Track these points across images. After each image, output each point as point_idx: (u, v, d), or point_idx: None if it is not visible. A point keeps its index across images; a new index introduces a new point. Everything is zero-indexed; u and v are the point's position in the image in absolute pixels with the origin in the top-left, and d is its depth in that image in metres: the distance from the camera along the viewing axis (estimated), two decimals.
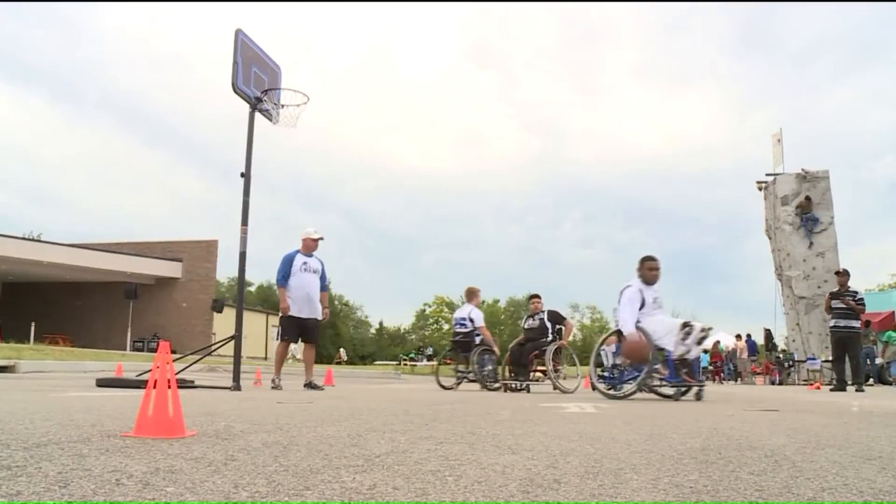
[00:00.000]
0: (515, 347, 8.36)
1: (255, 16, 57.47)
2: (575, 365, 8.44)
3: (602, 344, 8.89)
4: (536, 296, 8.71)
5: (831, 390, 10.24)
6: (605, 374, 8.36)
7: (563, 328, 8.36)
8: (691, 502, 1.24)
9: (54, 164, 66.18)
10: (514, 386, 8.00)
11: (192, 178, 72.93)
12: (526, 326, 8.60)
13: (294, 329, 7.19)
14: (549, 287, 72.79)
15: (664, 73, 73.75)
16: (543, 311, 8.45)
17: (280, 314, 7.41)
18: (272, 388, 6.79)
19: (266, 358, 31.19)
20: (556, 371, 7.89)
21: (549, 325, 8.22)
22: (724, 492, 1.34)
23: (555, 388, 7.67)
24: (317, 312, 7.28)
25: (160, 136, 70.95)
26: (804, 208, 20.33)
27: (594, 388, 8.32)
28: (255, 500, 1.17)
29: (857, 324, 10.27)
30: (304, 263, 7.25)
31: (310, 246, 7.37)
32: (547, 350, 7.84)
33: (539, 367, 8.15)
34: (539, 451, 1.87)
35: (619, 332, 8.79)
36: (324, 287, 7.45)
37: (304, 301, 7.17)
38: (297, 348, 9.63)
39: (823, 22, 68.67)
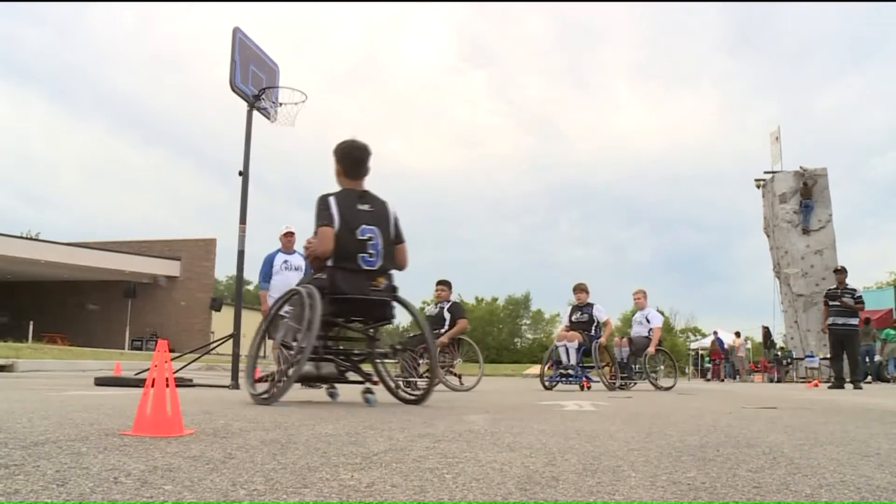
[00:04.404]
0: (407, 340, 7.66)
1: (251, 15, 57.44)
2: (478, 361, 7.67)
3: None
4: (442, 282, 7.79)
5: (829, 388, 10.25)
6: (570, 372, 8.26)
7: (457, 324, 7.46)
8: (689, 501, 1.24)
9: (51, 163, 66.15)
10: (399, 382, 7.21)
11: (191, 177, 72.96)
12: (426, 315, 7.86)
13: None
14: (547, 286, 72.92)
15: (660, 72, 73.79)
16: (448, 301, 7.67)
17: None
18: None
19: (265, 356, 31.11)
20: (445, 366, 7.04)
21: (447, 316, 7.47)
22: (721, 489, 1.34)
23: (448, 386, 6.89)
24: None
25: (158, 135, 70.92)
26: (805, 194, 20.42)
27: (548, 387, 8.19)
28: (252, 499, 1.17)
29: (855, 321, 10.29)
30: (285, 261, 7.25)
31: (285, 243, 7.35)
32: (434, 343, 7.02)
33: (426, 362, 7.16)
34: (537, 449, 1.87)
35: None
36: None
37: None
38: None
39: (820, 21, 68.68)
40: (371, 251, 3.64)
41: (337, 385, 4.00)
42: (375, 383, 3.88)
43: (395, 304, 3.82)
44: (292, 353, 3.42)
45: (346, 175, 3.81)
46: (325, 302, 3.44)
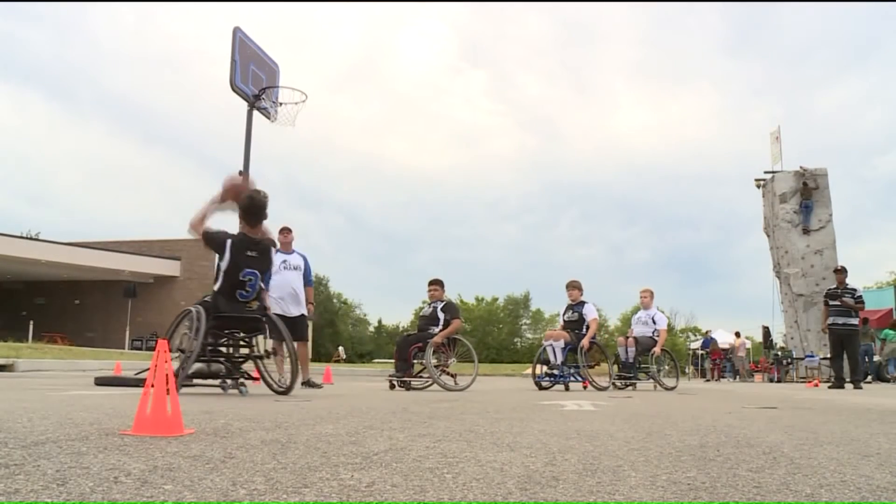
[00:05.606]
0: (401, 339, 7.69)
1: (250, 15, 57.41)
2: (473, 361, 7.63)
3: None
4: (434, 281, 7.71)
5: (829, 388, 10.25)
6: (555, 371, 8.24)
7: (450, 324, 7.30)
8: (689, 501, 1.24)
9: (51, 163, 66.10)
10: (393, 382, 7.20)
11: (190, 177, 72.75)
12: (420, 314, 7.99)
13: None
14: (547, 286, 72.83)
15: (660, 72, 73.78)
16: (441, 301, 7.57)
17: None
18: None
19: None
20: (439, 366, 7.00)
21: (440, 315, 7.37)
22: (721, 489, 1.34)
23: (442, 386, 6.80)
24: (303, 309, 7.24)
25: (158, 135, 70.88)
26: (805, 194, 20.43)
27: (540, 387, 8.20)
28: (252, 499, 1.17)
29: (855, 321, 10.28)
30: (284, 261, 7.21)
31: (282, 241, 7.33)
32: (428, 343, 6.98)
33: (421, 361, 7.15)
34: (537, 449, 1.87)
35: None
36: (309, 282, 7.37)
37: (288, 299, 7.14)
38: None
39: (820, 21, 68.73)
40: (248, 289, 4.79)
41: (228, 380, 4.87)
42: (256, 379, 4.85)
43: (264, 318, 4.94)
44: (185, 355, 4.50)
45: (245, 222, 4.83)
46: (209, 318, 4.57)
